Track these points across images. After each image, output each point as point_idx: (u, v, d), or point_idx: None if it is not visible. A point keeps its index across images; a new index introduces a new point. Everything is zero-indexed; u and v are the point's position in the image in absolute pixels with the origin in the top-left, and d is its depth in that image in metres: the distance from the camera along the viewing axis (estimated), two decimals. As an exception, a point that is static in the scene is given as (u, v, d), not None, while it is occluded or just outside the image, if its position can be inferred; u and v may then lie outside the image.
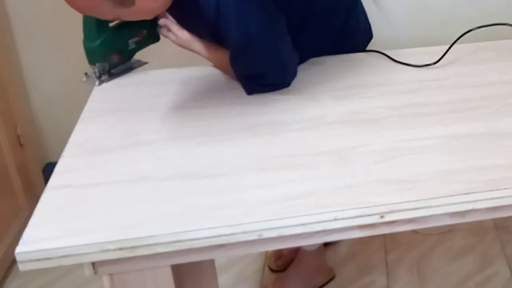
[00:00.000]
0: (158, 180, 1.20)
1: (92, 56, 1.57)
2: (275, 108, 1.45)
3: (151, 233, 1.07)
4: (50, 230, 1.08)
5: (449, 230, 2.39)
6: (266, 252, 2.28)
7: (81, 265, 1.56)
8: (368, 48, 1.76)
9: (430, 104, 1.44)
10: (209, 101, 1.49)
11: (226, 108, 1.46)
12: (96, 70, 1.59)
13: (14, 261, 1.58)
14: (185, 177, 1.21)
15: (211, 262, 1.79)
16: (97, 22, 1.51)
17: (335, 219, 1.11)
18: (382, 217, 1.12)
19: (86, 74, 1.62)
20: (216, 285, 1.84)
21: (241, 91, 1.52)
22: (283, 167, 1.24)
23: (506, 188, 1.16)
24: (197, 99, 1.52)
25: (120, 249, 1.06)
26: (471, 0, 2.29)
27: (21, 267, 1.05)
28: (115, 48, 1.61)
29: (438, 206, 1.14)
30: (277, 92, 1.52)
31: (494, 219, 2.44)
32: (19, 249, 1.04)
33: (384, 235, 2.36)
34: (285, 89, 1.52)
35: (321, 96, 1.50)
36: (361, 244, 2.35)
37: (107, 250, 1.06)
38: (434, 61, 1.63)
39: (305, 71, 1.60)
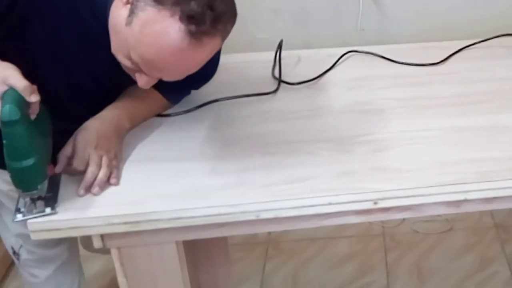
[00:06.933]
0: (165, 161, 1.27)
1: (30, 178, 1.10)
2: (285, 96, 1.51)
3: (154, 209, 1.14)
4: (62, 203, 1.15)
5: (449, 229, 2.40)
6: (266, 252, 2.33)
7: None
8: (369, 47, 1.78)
9: (436, 97, 1.49)
10: (222, 89, 1.55)
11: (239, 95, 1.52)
12: (35, 195, 1.12)
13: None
14: (191, 158, 1.28)
15: (224, 242, 1.86)
16: (25, 127, 1.07)
17: (330, 204, 1.16)
18: (375, 203, 1.17)
19: (18, 210, 1.13)
20: (229, 265, 1.91)
21: (256, 80, 1.58)
22: (286, 152, 1.30)
23: (498, 180, 1.20)
24: (211, 86, 1.57)
25: (125, 223, 1.13)
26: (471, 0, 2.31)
27: (33, 236, 1.12)
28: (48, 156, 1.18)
29: (430, 195, 1.18)
30: (288, 82, 1.57)
31: (493, 219, 2.45)
32: (31, 219, 1.11)
33: (384, 235, 2.39)
34: (296, 79, 1.57)
35: (331, 86, 1.56)
36: (361, 244, 2.37)
37: (113, 224, 1.13)
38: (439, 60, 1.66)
39: (316, 62, 1.65)
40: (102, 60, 1.26)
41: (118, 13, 1.16)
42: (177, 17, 1.10)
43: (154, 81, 1.22)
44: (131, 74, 1.22)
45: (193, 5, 1.10)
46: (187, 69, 1.19)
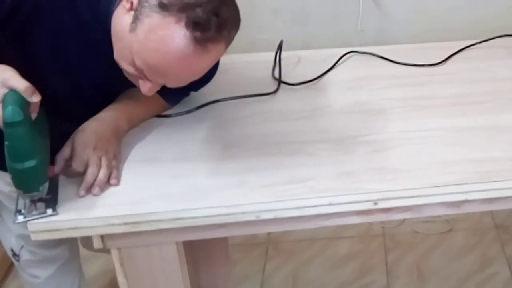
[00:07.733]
0: (166, 161, 1.27)
1: (32, 179, 1.10)
2: (285, 97, 1.51)
3: (154, 210, 1.14)
4: (62, 203, 1.15)
5: (449, 230, 2.40)
6: (267, 253, 2.33)
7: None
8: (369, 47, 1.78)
9: (436, 97, 1.49)
10: (222, 89, 1.55)
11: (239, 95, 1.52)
12: (36, 197, 1.11)
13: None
14: (192, 159, 1.28)
15: (224, 242, 1.86)
16: (28, 128, 1.06)
17: (330, 204, 1.16)
18: (375, 203, 1.17)
19: (19, 211, 1.13)
20: (229, 265, 1.91)
21: (256, 82, 1.58)
22: (286, 152, 1.29)
23: (499, 181, 1.20)
24: (211, 87, 1.58)
25: (125, 223, 1.13)
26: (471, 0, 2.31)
27: (33, 236, 1.12)
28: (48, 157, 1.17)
29: (431, 195, 1.19)
30: (288, 82, 1.57)
31: (494, 219, 2.45)
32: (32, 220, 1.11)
33: (384, 236, 2.39)
34: (296, 80, 1.57)
35: (331, 86, 1.56)
36: (361, 245, 2.37)
37: (113, 224, 1.13)
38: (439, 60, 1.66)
39: (316, 63, 1.65)
40: (102, 63, 1.26)
41: (121, 20, 1.16)
42: (182, 23, 1.10)
43: (158, 88, 1.22)
44: (134, 81, 1.22)
45: (199, 12, 1.10)
46: (191, 75, 1.19)
